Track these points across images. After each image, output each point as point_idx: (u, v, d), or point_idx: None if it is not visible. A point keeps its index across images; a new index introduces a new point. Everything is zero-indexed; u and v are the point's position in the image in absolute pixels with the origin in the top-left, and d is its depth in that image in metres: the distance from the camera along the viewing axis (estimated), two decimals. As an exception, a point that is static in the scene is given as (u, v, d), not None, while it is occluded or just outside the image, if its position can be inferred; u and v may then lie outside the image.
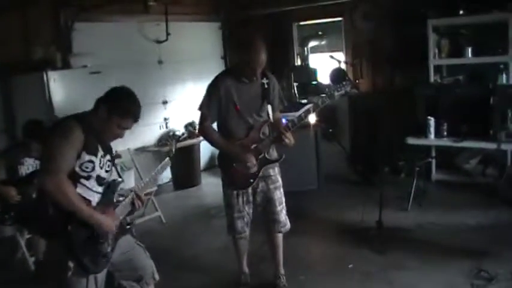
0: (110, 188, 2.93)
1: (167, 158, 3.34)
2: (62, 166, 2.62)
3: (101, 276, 2.88)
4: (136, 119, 2.87)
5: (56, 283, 2.80)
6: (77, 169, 2.70)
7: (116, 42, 7.03)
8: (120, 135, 2.88)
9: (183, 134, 7.80)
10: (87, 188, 2.77)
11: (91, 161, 2.75)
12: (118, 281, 3.09)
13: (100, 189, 2.86)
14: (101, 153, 2.83)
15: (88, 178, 2.76)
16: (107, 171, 2.90)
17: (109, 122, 2.78)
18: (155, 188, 6.37)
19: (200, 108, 3.81)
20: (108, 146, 2.95)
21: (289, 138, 3.67)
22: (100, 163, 2.82)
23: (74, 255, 2.69)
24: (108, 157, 2.92)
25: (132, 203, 3.01)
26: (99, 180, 2.83)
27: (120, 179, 3.07)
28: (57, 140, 2.67)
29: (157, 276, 3.25)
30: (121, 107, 2.79)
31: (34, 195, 4.64)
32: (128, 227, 3.09)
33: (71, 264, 2.70)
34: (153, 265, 3.24)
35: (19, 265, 5.08)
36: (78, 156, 2.68)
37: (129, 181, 6.33)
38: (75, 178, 2.70)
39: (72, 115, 2.84)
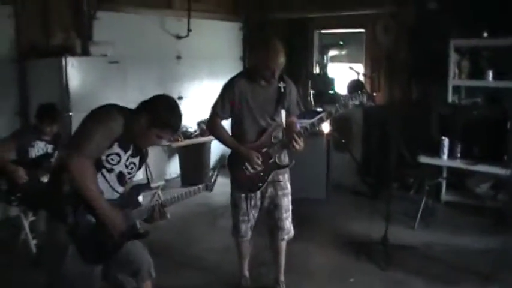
0: (135, 189, 2.94)
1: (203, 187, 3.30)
2: (92, 151, 2.61)
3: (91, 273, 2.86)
4: (176, 131, 2.88)
5: (54, 266, 2.78)
6: (103, 158, 2.70)
7: (136, 34, 7.04)
8: (158, 144, 2.89)
9: (195, 131, 7.78)
10: (106, 180, 2.76)
11: (118, 155, 2.74)
12: (114, 274, 3.06)
13: (120, 188, 2.85)
14: (130, 152, 2.82)
15: (110, 171, 2.76)
16: (129, 173, 2.89)
17: (148, 131, 2.76)
18: (163, 183, 6.37)
19: (213, 107, 3.80)
20: (140, 149, 2.92)
21: (300, 144, 3.63)
22: (126, 161, 2.81)
23: (75, 241, 2.68)
24: (136, 159, 2.91)
25: (153, 211, 2.98)
26: (120, 177, 2.82)
27: (147, 184, 3.09)
28: (97, 124, 2.65)
29: (153, 273, 3.21)
30: (162, 119, 2.75)
31: (42, 179, 4.68)
32: (140, 232, 3.04)
33: (71, 249, 2.69)
34: (150, 261, 3.20)
35: (21, 247, 5.10)
36: (110, 146, 2.68)
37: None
38: (98, 166, 2.69)
39: (117, 105, 2.83)
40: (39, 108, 4.78)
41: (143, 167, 3.03)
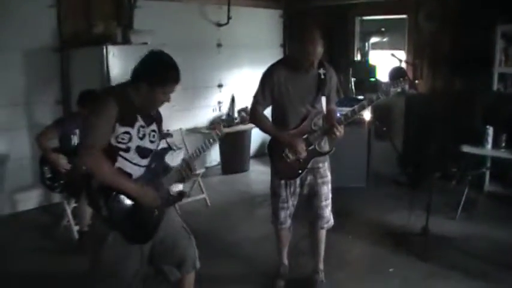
0: (157, 157, 2.92)
1: (215, 135, 3.28)
2: (95, 142, 2.64)
3: (144, 254, 2.91)
4: (178, 81, 2.82)
5: (94, 256, 2.84)
6: (114, 142, 2.70)
7: (177, 22, 7.09)
8: (168, 100, 2.84)
9: (235, 118, 7.80)
10: (127, 160, 2.77)
11: (127, 132, 2.73)
12: (158, 264, 3.10)
13: (143, 161, 2.85)
14: (140, 123, 2.80)
15: (127, 150, 2.75)
16: (151, 141, 2.88)
17: (152, 94, 2.74)
18: (203, 170, 6.43)
19: (254, 96, 3.80)
20: (151, 116, 2.91)
21: (340, 131, 3.59)
22: (139, 133, 2.78)
23: (115, 226, 2.72)
24: (152, 127, 2.89)
25: (180, 172, 3.00)
26: (141, 151, 2.81)
27: (171, 149, 3.06)
28: (92, 117, 2.69)
29: (198, 265, 3.24)
30: (161, 77, 2.74)
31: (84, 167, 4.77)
32: (176, 196, 3.06)
33: (110, 237, 2.74)
34: (196, 253, 3.23)
35: (64, 233, 5.23)
36: (113, 130, 2.67)
37: (178, 161, 6.39)
38: (113, 151, 2.71)
39: (107, 88, 2.87)
40: (81, 95, 4.85)
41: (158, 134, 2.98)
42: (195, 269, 3.25)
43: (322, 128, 3.70)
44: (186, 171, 3.01)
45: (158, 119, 3.00)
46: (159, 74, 2.73)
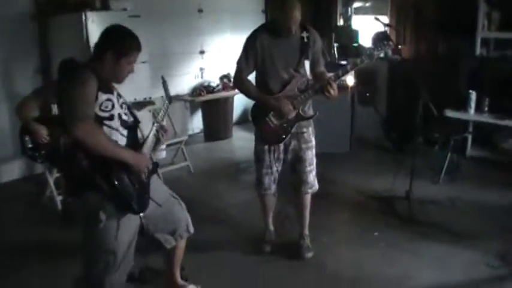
0: (131, 129, 2.90)
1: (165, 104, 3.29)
2: (87, 111, 2.59)
3: (133, 227, 2.89)
4: (140, 49, 2.84)
5: (87, 234, 2.81)
6: (98, 111, 2.66)
7: (157, -13, 6.94)
8: (132, 70, 2.86)
9: (217, 85, 7.74)
10: (113, 128, 2.74)
11: (109, 99, 2.72)
12: (152, 234, 3.10)
13: (125, 132, 2.82)
14: (116, 91, 2.83)
15: (111, 118, 2.73)
16: (125, 113, 2.86)
17: (118, 64, 2.76)
18: (186, 138, 6.39)
19: (238, 62, 3.76)
20: (117, 91, 2.92)
21: (334, 89, 3.56)
22: (118, 101, 2.80)
23: (119, 198, 2.70)
24: (122, 100, 2.89)
25: (157, 136, 3.03)
26: (122, 121, 2.80)
27: (137, 121, 3.01)
28: (74, 88, 2.62)
29: (191, 229, 3.27)
30: (124, 47, 2.76)
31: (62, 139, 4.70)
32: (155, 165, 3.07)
33: (102, 216, 2.70)
34: (188, 218, 3.26)
35: (47, 203, 5.19)
36: (96, 98, 2.65)
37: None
38: (98, 121, 2.67)
39: (76, 63, 2.85)
40: (61, 64, 4.75)
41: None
42: (189, 234, 3.27)
43: (313, 88, 3.66)
44: (162, 134, 3.06)
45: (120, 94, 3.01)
46: (121, 45, 2.76)
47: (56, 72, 4.82)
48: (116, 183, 2.67)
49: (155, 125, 3.05)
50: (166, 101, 3.27)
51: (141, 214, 2.87)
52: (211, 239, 4.37)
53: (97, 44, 2.81)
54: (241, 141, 7.50)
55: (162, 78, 3.44)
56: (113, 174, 2.66)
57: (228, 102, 7.71)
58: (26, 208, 5.20)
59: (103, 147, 2.61)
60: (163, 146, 6.16)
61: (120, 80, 2.87)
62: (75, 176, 2.77)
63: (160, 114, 3.17)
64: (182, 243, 3.30)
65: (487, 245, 4.12)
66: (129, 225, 2.84)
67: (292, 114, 3.66)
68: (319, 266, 3.93)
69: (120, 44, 2.75)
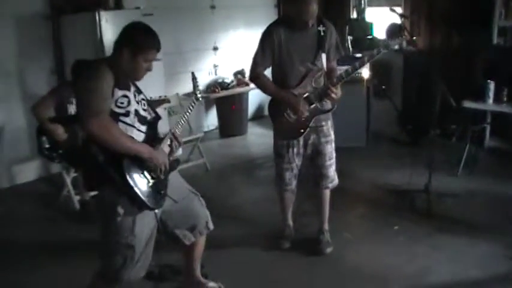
0: (151, 125, 2.90)
1: (193, 99, 3.35)
2: (103, 106, 2.59)
3: (152, 222, 2.88)
4: (159, 49, 2.84)
5: (105, 229, 2.81)
6: (114, 107, 2.66)
7: (169, -15, 6.93)
8: (149, 69, 2.84)
9: (231, 81, 7.72)
10: (129, 124, 2.73)
11: (125, 96, 2.71)
12: (171, 230, 3.09)
13: (143, 128, 2.82)
14: (134, 88, 2.82)
15: (127, 114, 2.72)
16: (144, 109, 2.86)
17: (135, 62, 2.74)
18: (201, 135, 6.39)
19: (254, 57, 3.74)
20: (138, 86, 2.92)
21: (335, 93, 3.58)
22: (135, 98, 2.79)
23: (133, 196, 2.68)
24: (142, 96, 2.89)
25: (170, 145, 3.01)
26: (139, 116, 2.79)
27: (157, 117, 3.01)
28: (90, 82, 2.63)
29: (211, 226, 3.26)
30: (143, 45, 2.75)
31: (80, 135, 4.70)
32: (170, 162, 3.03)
33: (120, 210, 2.70)
34: (208, 214, 3.25)
35: (64, 203, 5.21)
36: (112, 94, 2.65)
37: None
38: (114, 117, 2.66)
39: (93, 60, 2.84)
40: (74, 64, 4.75)
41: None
42: (208, 230, 3.26)
43: (318, 90, 3.66)
44: (174, 143, 3.03)
45: (141, 90, 3.00)
46: (140, 43, 2.75)
47: (70, 72, 4.83)
48: (128, 178, 2.64)
49: (170, 133, 3.02)
50: (193, 97, 3.30)
51: (156, 210, 2.85)
52: (230, 236, 4.35)
53: (116, 40, 2.81)
54: (257, 137, 7.48)
55: (193, 74, 3.44)
56: (126, 169, 2.64)
57: (242, 98, 7.69)
58: (44, 208, 5.21)
59: (118, 141, 2.60)
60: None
61: (137, 78, 2.86)
62: (92, 170, 2.76)
63: (179, 126, 3.12)
64: (202, 240, 3.30)
65: (506, 238, 4.08)
66: (147, 221, 2.83)
67: (306, 113, 3.64)
68: (339, 261, 3.91)
69: (138, 41, 2.74)
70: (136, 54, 2.73)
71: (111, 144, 2.59)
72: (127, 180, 2.64)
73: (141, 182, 2.72)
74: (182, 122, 3.16)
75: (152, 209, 2.80)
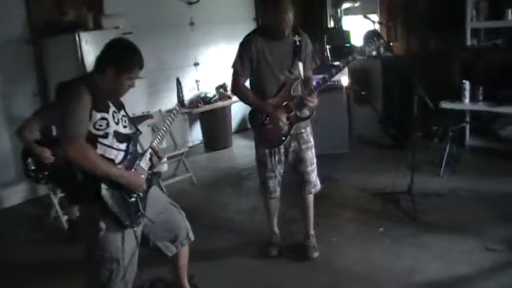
0: (131, 141, 2.91)
1: (175, 108, 3.31)
2: (79, 130, 2.61)
3: (135, 236, 2.91)
4: (142, 67, 2.84)
5: (89, 244, 2.84)
6: (92, 129, 2.67)
7: (147, 4, 6.99)
8: (132, 86, 2.85)
9: (214, 96, 7.78)
10: (107, 146, 2.74)
11: (103, 118, 2.71)
12: (153, 242, 3.12)
13: (122, 146, 2.83)
14: (112, 109, 2.80)
15: (106, 136, 2.73)
16: (124, 126, 2.87)
17: (118, 80, 2.76)
18: (186, 149, 6.42)
19: (233, 67, 3.81)
20: (119, 102, 2.92)
21: (312, 101, 3.66)
22: (114, 119, 2.79)
23: (110, 214, 2.71)
24: (122, 112, 2.90)
25: (150, 159, 3.03)
26: (118, 136, 2.80)
27: (138, 132, 3.03)
28: (67, 105, 2.64)
29: (192, 236, 3.29)
30: (126, 64, 2.75)
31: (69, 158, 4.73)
32: (153, 177, 3.08)
33: (102, 225, 2.73)
34: (188, 225, 3.27)
35: (52, 224, 5.21)
36: (90, 117, 2.65)
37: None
38: (92, 139, 2.68)
39: (75, 78, 2.85)
40: (58, 86, 4.78)
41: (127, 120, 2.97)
42: (189, 241, 3.28)
43: (296, 100, 3.73)
44: (154, 158, 3.05)
45: (123, 104, 3.01)
46: (123, 62, 2.74)
47: (53, 94, 4.86)
48: (105, 198, 2.68)
49: (149, 150, 3.04)
50: (176, 106, 3.28)
51: (135, 228, 2.86)
52: (219, 247, 4.40)
53: (98, 57, 2.80)
54: (242, 149, 7.53)
55: (177, 80, 3.45)
56: (103, 190, 2.67)
57: (225, 111, 7.75)
58: (32, 230, 5.21)
59: (94, 166, 2.63)
60: (165, 159, 6.17)
61: (119, 96, 2.89)
62: (72, 188, 2.80)
63: (157, 139, 3.13)
64: (185, 251, 3.32)
65: (491, 233, 4.15)
66: (130, 235, 2.86)
67: (286, 128, 3.72)
68: (327, 265, 3.95)
69: (121, 60, 2.74)
70: (119, 73, 2.73)
71: (88, 168, 2.63)
72: (104, 201, 2.68)
73: (118, 202, 2.75)
74: (162, 132, 3.17)
75: (130, 228, 2.82)
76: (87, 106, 2.64)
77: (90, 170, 2.62)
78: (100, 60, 2.79)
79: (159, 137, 3.14)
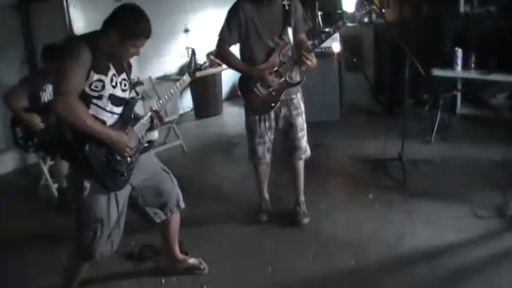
0: (127, 105, 2.89)
1: (186, 75, 3.26)
2: (71, 87, 2.56)
3: (122, 198, 2.91)
4: (149, 36, 2.79)
5: (76, 204, 2.83)
6: (87, 89, 2.64)
7: (137, -32, 6.86)
8: (137, 54, 2.81)
9: (204, 62, 7.70)
10: (100, 107, 2.72)
11: (100, 80, 2.67)
12: (142, 207, 3.11)
13: (116, 109, 2.81)
14: (112, 72, 2.75)
15: (100, 98, 2.70)
16: (123, 90, 2.84)
17: (122, 45, 2.70)
18: (176, 116, 6.39)
19: (220, 33, 3.76)
20: (122, 65, 2.88)
21: (311, 60, 3.59)
22: (112, 82, 2.74)
23: (94, 175, 2.71)
24: (123, 76, 2.86)
25: (151, 121, 3.00)
26: (114, 99, 2.77)
27: (138, 96, 3.02)
28: (65, 61, 2.59)
29: (182, 204, 3.27)
30: (132, 30, 2.68)
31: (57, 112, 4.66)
32: (147, 145, 3.07)
33: (86, 184, 2.73)
34: (179, 193, 3.25)
35: (43, 192, 5.20)
36: (88, 76, 2.61)
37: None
38: (86, 99, 2.65)
39: (79, 35, 2.78)
40: (44, 49, 4.71)
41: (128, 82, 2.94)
42: (179, 209, 3.27)
43: (292, 58, 3.69)
44: (157, 120, 3.02)
45: (128, 68, 2.97)
46: (130, 28, 2.68)
47: (40, 58, 4.79)
48: (90, 158, 2.66)
49: (151, 111, 3.01)
50: (186, 74, 3.23)
51: (117, 192, 2.86)
52: (209, 214, 4.41)
53: (107, 20, 2.72)
54: (232, 117, 7.52)
55: (193, 50, 3.39)
56: (88, 149, 2.65)
57: (216, 78, 7.69)
58: (22, 199, 5.20)
59: (81, 123, 2.59)
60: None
61: (122, 60, 2.85)
62: (61, 146, 2.80)
63: (160, 102, 3.10)
64: (176, 218, 3.31)
65: (480, 200, 4.18)
66: (119, 196, 2.87)
67: (275, 83, 3.67)
68: (317, 231, 3.97)
69: (128, 26, 2.67)
70: (124, 38, 2.67)
71: (74, 124, 2.59)
72: (87, 160, 2.66)
73: (102, 163, 2.73)
74: (167, 97, 3.13)
75: (112, 191, 2.82)
76: (86, 64, 2.59)
77: (75, 125, 2.59)
78: (106, 22, 2.72)
79: (162, 101, 3.11)
